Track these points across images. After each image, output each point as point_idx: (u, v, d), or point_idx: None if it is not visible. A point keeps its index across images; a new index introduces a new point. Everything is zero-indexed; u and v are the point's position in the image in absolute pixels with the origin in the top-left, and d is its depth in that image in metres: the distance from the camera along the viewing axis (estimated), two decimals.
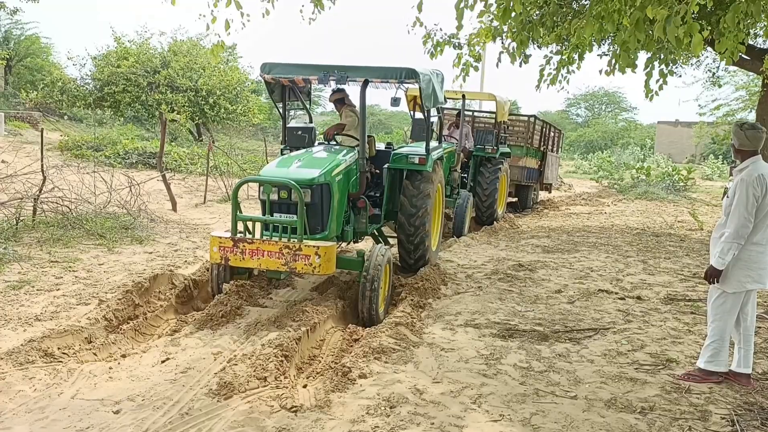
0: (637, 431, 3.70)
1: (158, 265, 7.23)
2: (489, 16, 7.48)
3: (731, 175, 4.68)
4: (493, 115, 13.07)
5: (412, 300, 6.13)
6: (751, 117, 21.45)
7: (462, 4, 5.83)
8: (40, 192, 8.89)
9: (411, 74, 6.36)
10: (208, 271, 6.43)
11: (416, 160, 7.16)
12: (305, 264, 5.28)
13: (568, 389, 4.27)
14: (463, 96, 11.51)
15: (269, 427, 3.57)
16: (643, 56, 6.84)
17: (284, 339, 4.70)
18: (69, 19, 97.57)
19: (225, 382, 4.00)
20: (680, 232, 11.94)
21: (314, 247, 5.28)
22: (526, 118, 15.31)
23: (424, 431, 3.61)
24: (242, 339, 5.02)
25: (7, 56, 27.45)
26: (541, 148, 15.81)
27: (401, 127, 38.87)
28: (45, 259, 7.18)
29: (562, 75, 8.04)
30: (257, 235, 5.81)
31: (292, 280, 6.86)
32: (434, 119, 8.56)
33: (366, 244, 7.72)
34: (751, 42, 10.62)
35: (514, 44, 7.40)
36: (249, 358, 4.42)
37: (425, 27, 8.07)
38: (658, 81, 6.96)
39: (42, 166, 9.09)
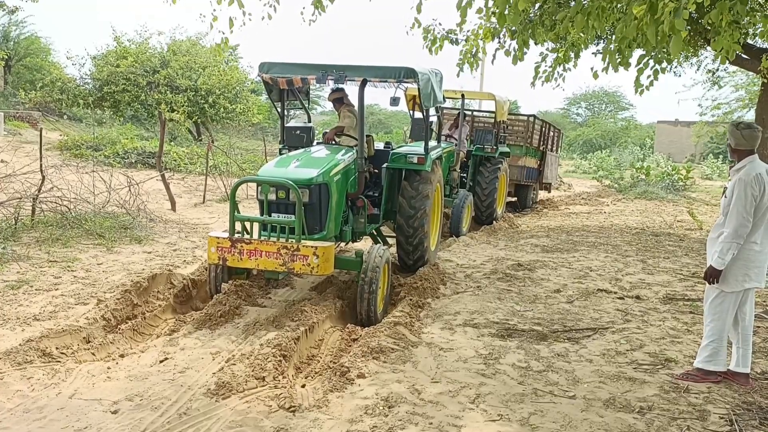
0: (636, 431, 3.70)
1: (157, 265, 7.23)
2: (487, 15, 7.47)
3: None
4: (493, 115, 13.07)
5: (411, 300, 6.13)
6: (750, 116, 21.49)
7: (464, 3, 5.82)
8: (39, 191, 8.89)
9: (409, 74, 6.33)
10: (206, 271, 6.42)
11: (415, 160, 7.14)
12: (303, 264, 5.25)
13: (566, 389, 4.27)
14: (463, 95, 11.52)
15: (267, 427, 3.57)
16: (636, 53, 6.83)
17: (283, 339, 4.70)
18: (69, 18, 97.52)
19: (223, 382, 4.00)
20: (679, 231, 11.94)
21: (312, 247, 5.25)
22: (525, 118, 15.31)
23: (422, 431, 3.61)
24: (241, 339, 5.02)
25: (7, 56, 27.41)
26: (541, 148, 15.81)
27: (401, 126, 38.85)
28: (44, 258, 7.18)
29: (557, 73, 8.04)
30: (255, 235, 5.79)
31: (290, 279, 6.86)
32: (433, 119, 8.54)
33: (364, 244, 7.71)
34: (749, 41, 10.62)
35: (515, 44, 7.41)
36: (247, 358, 4.42)
37: (422, 24, 8.04)
38: (649, 77, 6.96)
39: (41, 165, 9.09)
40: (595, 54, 13.18)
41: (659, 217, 14.09)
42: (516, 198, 15.49)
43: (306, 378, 4.50)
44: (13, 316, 5.30)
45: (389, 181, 7.27)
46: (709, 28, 7.85)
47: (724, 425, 3.81)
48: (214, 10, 6.62)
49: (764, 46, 11.21)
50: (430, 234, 7.36)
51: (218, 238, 5.46)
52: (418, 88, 6.58)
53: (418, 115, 9.40)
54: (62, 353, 4.52)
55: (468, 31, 8.36)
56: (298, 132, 7.29)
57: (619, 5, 4.85)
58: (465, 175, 11.78)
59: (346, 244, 7.32)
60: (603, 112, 58.23)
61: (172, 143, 21.33)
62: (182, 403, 3.85)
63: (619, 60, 5.94)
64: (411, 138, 9.77)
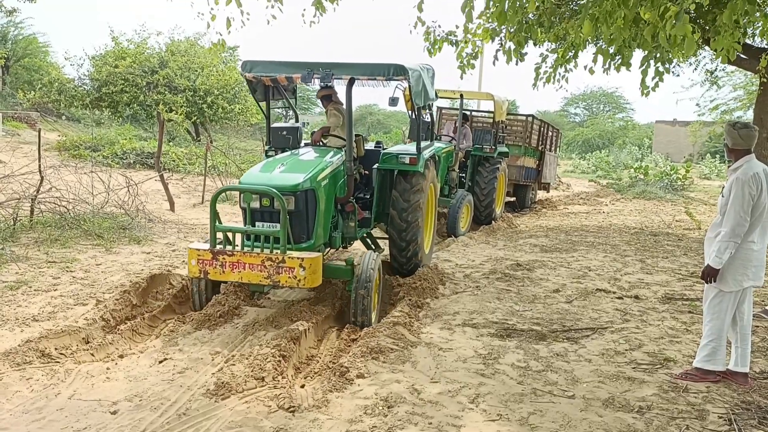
0: (635, 430, 3.71)
1: (156, 266, 7.22)
2: (486, 16, 7.49)
3: None
4: (491, 115, 13.09)
5: (410, 300, 6.12)
6: (749, 116, 21.50)
7: (467, 7, 5.81)
8: (37, 192, 8.88)
9: (399, 70, 6.04)
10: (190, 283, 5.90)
11: (407, 161, 6.84)
12: (289, 277, 4.97)
13: (565, 389, 4.28)
14: (461, 95, 11.53)
15: (267, 427, 3.57)
16: (638, 55, 6.87)
17: (282, 339, 4.70)
18: (68, 18, 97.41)
19: (222, 383, 4.00)
20: (678, 231, 11.96)
21: (298, 258, 4.97)
22: (524, 118, 15.33)
23: (422, 431, 3.61)
24: (240, 339, 5.02)
25: (5, 56, 27.39)
26: (539, 148, 15.83)
27: (399, 126, 38.85)
28: (42, 259, 7.17)
29: (559, 74, 8.06)
30: (239, 245, 5.44)
31: None
32: (427, 117, 8.35)
33: (355, 246, 7.70)
34: (748, 41, 10.64)
35: (512, 44, 7.42)
36: (246, 358, 4.42)
37: (424, 24, 8.04)
38: (654, 78, 6.97)
39: (39, 166, 9.08)
40: (595, 54, 13.20)
41: (658, 217, 14.11)
42: (515, 198, 15.51)
43: (305, 378, 4.49)
44: (12, 316, 5.29)
45: (380, 183, 6.99)
46: (708, 28, 7.86)
47: (723, 425, 3.81)
48: (212, 9, 6.59)
49: (762, 46, 11.23)
50: (423, 230, 7.10)
51: (198, 250, 5.17)
52: (409, 86, 6.33)
53: None
54: (61, 354, 4.52)
55: (465, 32, 8.37)
56: (284, 133, 6.90)
57: (626, 10, 4.85)
58: (464, 175, 11.80)
59: (336, 250, 6.89)
60: (601, 112, 58.31)
61: (171, 143, 21.31)
62: (181, 404, 3.85)
63: (619, 61, 5.96)
64: (409, 138, 9.73)
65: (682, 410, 3.99)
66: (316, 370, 4.64)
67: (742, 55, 10.70)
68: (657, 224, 12.91)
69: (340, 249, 6.86)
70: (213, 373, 4.32)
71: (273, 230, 5.17)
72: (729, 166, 4.53)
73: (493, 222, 11.87)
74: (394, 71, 6.04)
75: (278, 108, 7.85)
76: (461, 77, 7.98)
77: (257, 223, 5.44)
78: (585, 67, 6.99)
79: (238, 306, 5.65)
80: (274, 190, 5.15)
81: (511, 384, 4.33)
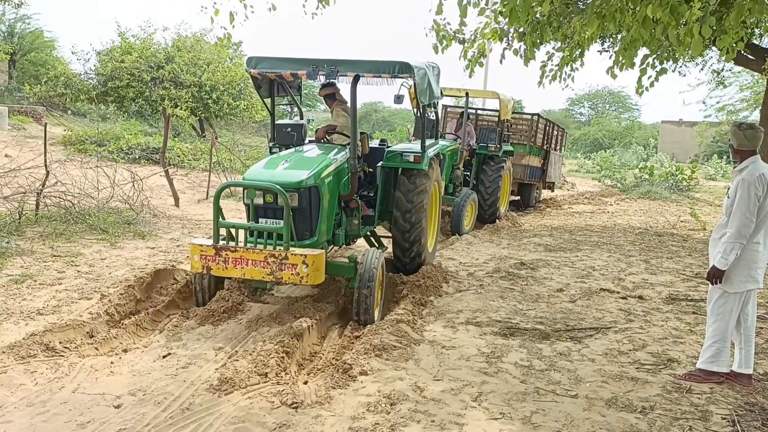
0: (638, 431, 3.70)
1: (160, 260, 7.24)
2: (491, 13, 7.45)
3: None
4: (497, 113, 13.07)
5: (413, 297, 6.13)
6: (755, 117, 21.42)
7: (464, 2, 5.81)
8: (43, 186, 8.91)
9: (404, 68, 6.02)
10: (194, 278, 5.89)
11: (411, 159, 6.82)
12: (292, 274, 4.97)
13: (568, 388, 4.27)
14: (467, 94, 11.52)
15: (270, 423, 3.58)
16: (640, 53, 6.80)
17: (285, 335, 4.72)
18: (68, 18, 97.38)
19: (226, 378, 4.01)
20: (683, 231, 11.93)
21: (301, 255, 4.97)
22: (529, 117, 15.30)
23: (425, 429, 3.61)
24: (243, 335, 5.03)
25: (11, 50, 27.46)
26: (544, 147, 15.79)
27: (404, 124, 38.83)
28: (47, 253, 7.20)
29: (565, 72, 8.02)
30: (242, 241, 5.38)
31: None
32: (432, 115, 8.31)
33: (358, 244, 7.70)
34: (755, 41, 10.60)
35: (524, 45, 7.39)
36: (250, 354, 4.44)
37: (440, 27, 7.98)
38: (650, 77, 6.94)
39: (45, 160, 9.11)
40: (600, 52, 13.16)
41: (662, 217, 14.07)
42: (519, 197, 15.48)
43: (308, 375, 4.51)
44: (17, 310, 5.31)
45: (384, 180, 6.97)
46: (714, 28, 7.82)
47: (727, 426, 3.80)
48: (215, 2, 6.56)
49: None
50: (427, 230, 7.08)
51: (201, 245, 5.14)
52: (414, 84, 6.30)
53: None
54: (66, 348, 4.54)
55: (472, 31, 8.35)
56: (288, 129, 6.90)
57: (636, 8, 4.83)
58: (468, 173, 11.79)
59: (340, 247, 6.93)
60: (607, 111, 58.14)
61: (176, 139, 21.33)
62: (185, 399, 3.86)
63: (623, 60, 5.95)
64: (414, 136, 9.71)
65: (685, 411, 3.99)
66: (319, 366, 4.65)
67: (748, 56, 10.66)
68: (662, 224, 12.88)
69: (344, 246, 6.84)
70: (216, 369, 4.33)
71: (276, 227, 5.17)
72: (734, 167, 4.52)
73: (497, 221, 11.86)
74: (399, 69, 6.02)
75: (283, 104, 7.80)
76: (470, 76, 7.90)
77: (260, 220, 5.44)
78: (607, 71, 6.90)
79: (241, 302, 5.65)
80: (278, 187, 5.16)
81: (514, 383, 4.33)
